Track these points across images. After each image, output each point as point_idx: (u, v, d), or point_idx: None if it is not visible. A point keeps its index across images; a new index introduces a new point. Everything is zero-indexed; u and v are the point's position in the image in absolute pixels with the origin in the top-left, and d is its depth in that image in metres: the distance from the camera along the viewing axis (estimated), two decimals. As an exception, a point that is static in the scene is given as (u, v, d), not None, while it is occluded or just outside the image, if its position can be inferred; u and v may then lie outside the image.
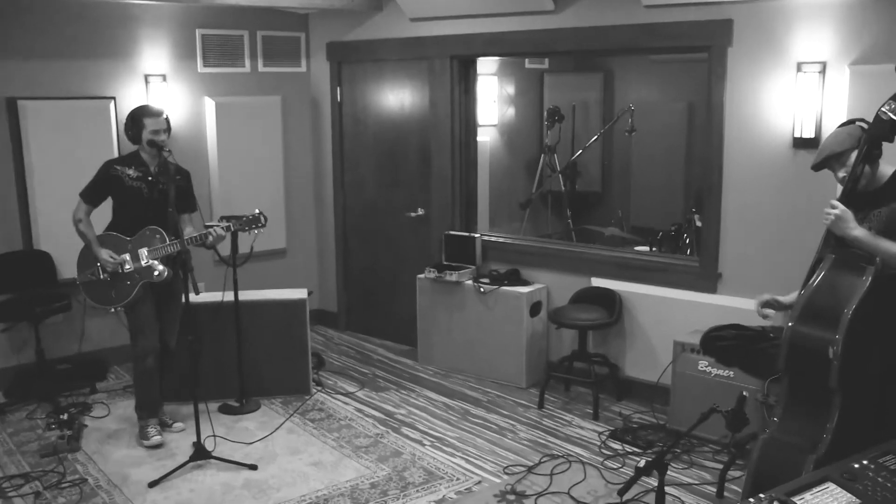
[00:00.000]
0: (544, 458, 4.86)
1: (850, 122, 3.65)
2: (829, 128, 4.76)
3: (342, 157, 7.31)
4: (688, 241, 6.70)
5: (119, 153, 6.02)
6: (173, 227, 4.89)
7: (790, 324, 3.18)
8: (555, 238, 7.95)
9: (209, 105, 6.73)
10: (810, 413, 3.16)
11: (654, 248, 6.79)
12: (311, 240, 7.62)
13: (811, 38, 4.79)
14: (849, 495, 2.37)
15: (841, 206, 3.35)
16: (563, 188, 8.22)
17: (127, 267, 4.92)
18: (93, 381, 6.02)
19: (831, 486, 2.42)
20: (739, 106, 5.12)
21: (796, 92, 4.86)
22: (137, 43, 6.37)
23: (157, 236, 4.94)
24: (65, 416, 5.24)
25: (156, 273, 4.92)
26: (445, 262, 6.52)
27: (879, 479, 2.43)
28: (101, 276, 4.96)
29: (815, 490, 2.40)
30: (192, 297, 4.83)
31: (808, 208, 4.88)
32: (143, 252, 4.93)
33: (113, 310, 5.02)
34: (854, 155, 3.45)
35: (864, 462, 2.52)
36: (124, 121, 5.01)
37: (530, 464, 4.80)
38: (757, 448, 3.29)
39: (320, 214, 7.59)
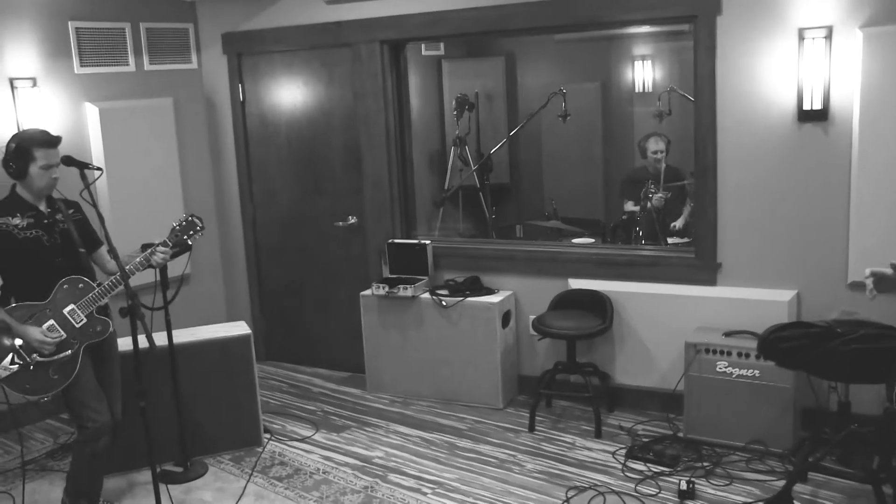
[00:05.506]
0: (571, 493, 4.23)
1: None
2: (838, 98, 4.40)
3: (248, 165, 6.35)
4: (640, 232, 6.23)
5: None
6: (91, 271, 3.95)
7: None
8: (468, 236, 7.35)
9: (91, 112, 5.60)
10: None
11: (608, 241, 6.28)
12: (215, 261, 6.63)
13: (813, 1, 4.38)
14: None
15: None
16: (477, 183, 7.61)
17: (60, 335, 3.81)
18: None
19: None
20: (733, 80, 4.66)
21: (799, 61, 4.44)
22: (-4, 39, 5.19)
23: (81, 286, 3.86)
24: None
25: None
26: (391, 275, 5.76)
27: None
28: (29, 361, 3.78)
29: None
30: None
31: (819, 184, 4.52)
32: (72, 309, 3.83)
33: (46, 398, 3.88)
34: None
35: None
36: (3, 151, 3.82)
37: (558, 502, 4.16)
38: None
39: (225, 232, 6.60)
